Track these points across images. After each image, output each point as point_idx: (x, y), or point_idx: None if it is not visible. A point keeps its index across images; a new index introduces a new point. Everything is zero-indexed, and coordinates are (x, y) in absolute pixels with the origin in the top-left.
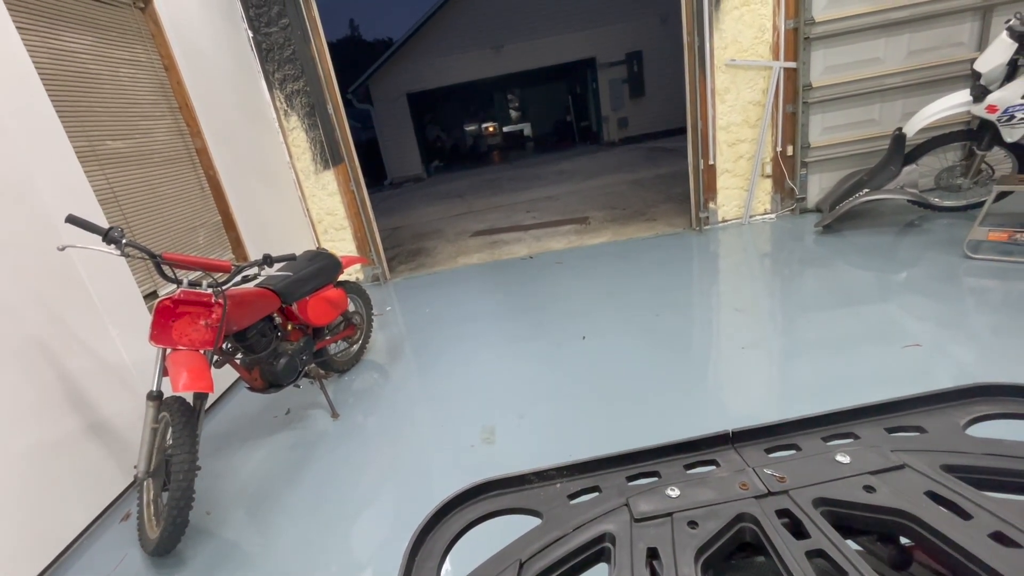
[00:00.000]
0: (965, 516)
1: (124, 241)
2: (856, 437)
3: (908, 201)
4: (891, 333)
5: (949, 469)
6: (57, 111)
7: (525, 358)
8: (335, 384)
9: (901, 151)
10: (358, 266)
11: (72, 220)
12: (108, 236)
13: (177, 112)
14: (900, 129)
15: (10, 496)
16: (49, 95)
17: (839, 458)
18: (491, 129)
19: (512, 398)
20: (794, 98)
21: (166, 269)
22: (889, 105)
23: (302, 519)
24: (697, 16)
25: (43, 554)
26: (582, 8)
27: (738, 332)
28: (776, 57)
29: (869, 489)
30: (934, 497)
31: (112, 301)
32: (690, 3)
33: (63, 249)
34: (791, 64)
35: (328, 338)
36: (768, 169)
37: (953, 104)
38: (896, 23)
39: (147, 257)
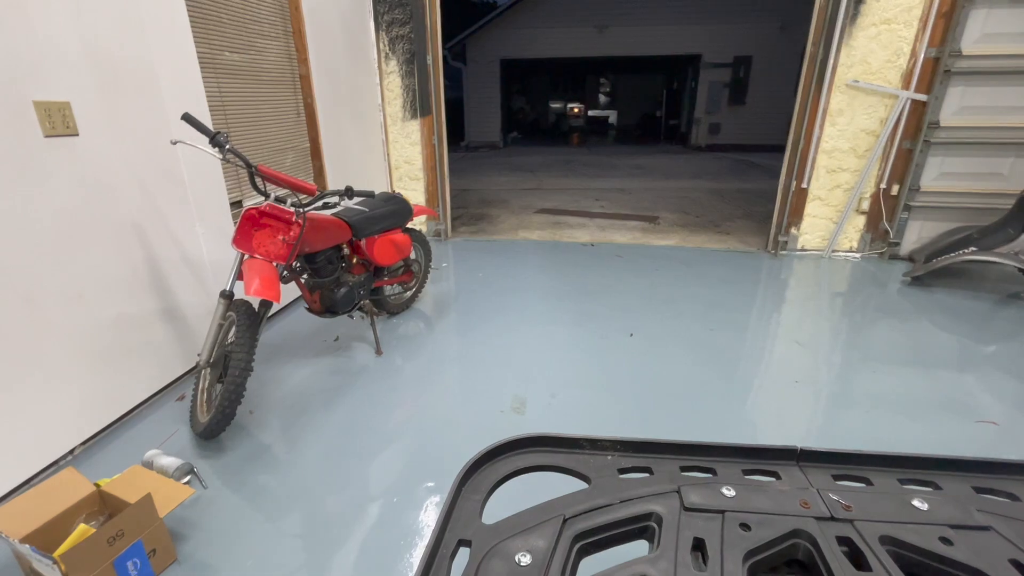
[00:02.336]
0: None
1: (228, 147)
2: (937, 487)
3: (1019, 269)
4: (965, 405)
5: None
6: (189, 15)
7: (568, 341)
8: (383, 324)
9: None
10: (424, 217)
11: (187, 119)
12: (215, 140)
13: (290, 36)
14: None
15: (90, 355)
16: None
17: (916, 503)
18: (576, 110)
19: (547, 376)
20: (915, 134)
21: (258, 181)
22: (1023, 161)
23: (330, 440)
24: (828, 26)
25: (107, 412)
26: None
27: (794, 365)
28: (906, 86)
29: (946, 541)
30: (1019, 567)
31: (203, 201)
32: (823, 11)
33: (175, 143)
34: (921, 96)
35: (387, 279)
36: (865, 205)
37: None
38: None
39: (244, 166)
